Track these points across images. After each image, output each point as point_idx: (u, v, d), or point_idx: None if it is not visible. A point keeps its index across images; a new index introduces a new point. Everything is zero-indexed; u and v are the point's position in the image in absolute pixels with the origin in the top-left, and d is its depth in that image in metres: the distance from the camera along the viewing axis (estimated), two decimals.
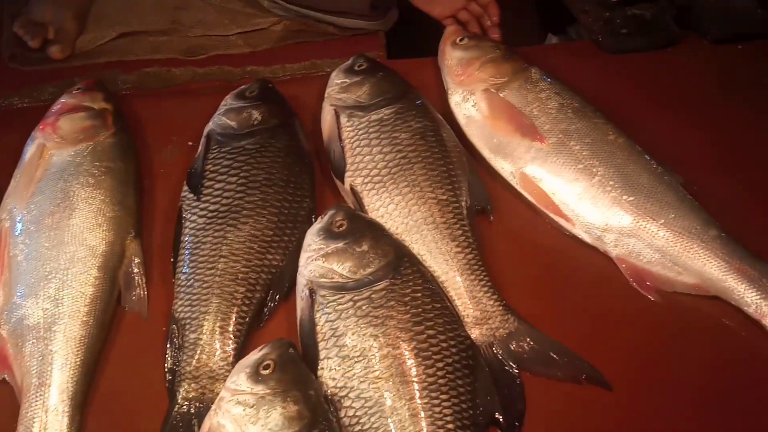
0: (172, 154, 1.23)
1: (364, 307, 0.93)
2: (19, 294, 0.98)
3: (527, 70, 1.21)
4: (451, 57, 1.25)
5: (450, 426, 0.86)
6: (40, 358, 0.93)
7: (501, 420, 0.90)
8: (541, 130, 1.13)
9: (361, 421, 0.87)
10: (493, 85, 1.19)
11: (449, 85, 1.23)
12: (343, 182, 1.12)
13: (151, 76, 1.36)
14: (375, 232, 1.01)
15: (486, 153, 1.16)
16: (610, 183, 1.08)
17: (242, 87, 1.22)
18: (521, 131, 1.14)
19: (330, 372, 0.90)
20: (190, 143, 1.22)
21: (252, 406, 0.84)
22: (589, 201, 1.08)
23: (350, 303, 0.93)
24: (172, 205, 1.12)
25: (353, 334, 0.91)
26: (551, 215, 1.10)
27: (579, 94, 1.18)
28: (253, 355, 0.89)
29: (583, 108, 1.16)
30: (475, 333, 0.97)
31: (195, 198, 1.07)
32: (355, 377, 0.89)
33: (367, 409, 0.87)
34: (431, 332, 0.92)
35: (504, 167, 1.14)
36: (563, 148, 1.12)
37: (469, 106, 1.19)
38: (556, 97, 1.17)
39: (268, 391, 0.85)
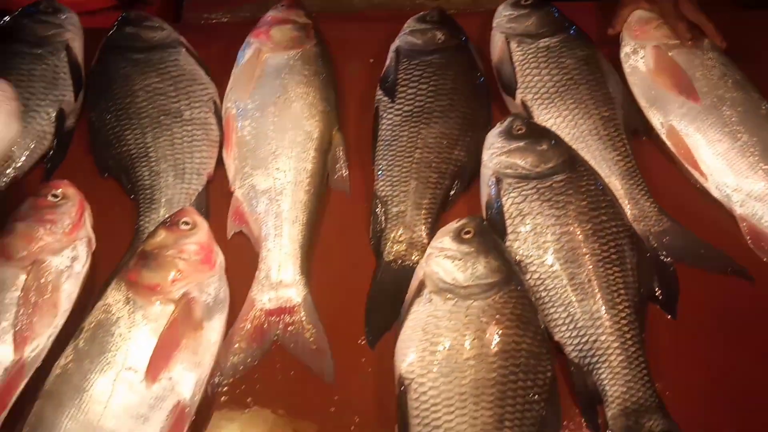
0: (356, 68, 1.41)
1: (546, 194, 1.10)
2: (249, 166, 1.18)
3: (700, 39, 1.32)
4: (634, 15, 1.36)
5: (621, 292, 1.03)
6: (274, 215, 1.13)
7: (660, 297, 1.07)
8: (698, 92, 1.26)
9: (545, 283, 1.04)
10: (664, 44, 1.32)
11: (623, 36, 1.35)
12: (513, 97, 1.29)
13: (334, 1, 1.54)
14: (551, 135, 1.18)
15: (642, 102, 1.28)
16: (751, 150, 1.20)
17: (422, 13, 1.39)
18: (679, 88, 1.26)
19: (517, 243, 1.08)
20: (371, 60, 1.40)
21: (459, 259, 1.02)
22: (726, 162, 1.20)
23: (534, 189, 1.11)
24: (362, 108, 1.31)
25: (537, 214, 1.09)
26: (688, 167, 1.22)
27: (742, 72, 1.29)
28: (453, 224, 1.07)
29: (743, 82, 1.28)
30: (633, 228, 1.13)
31: (390, 100, 1.25)
32: (539, 248, 1.07)
33: (550, 273, 1.05)
34: (604, 218, 1.09)
35: (655, 117, 1.27)
36: (714, 111, 1.24)
37: (638, 58, 1.31)
38: (720, 68, 1.29)
39: (471, 249, 1.03)
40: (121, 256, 1.10)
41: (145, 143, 1.20)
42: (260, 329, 1.03)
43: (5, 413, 0.91)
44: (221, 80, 1.30)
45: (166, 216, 1.11)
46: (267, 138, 1.20)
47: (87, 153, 1.24)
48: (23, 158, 1.20)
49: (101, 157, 1.22)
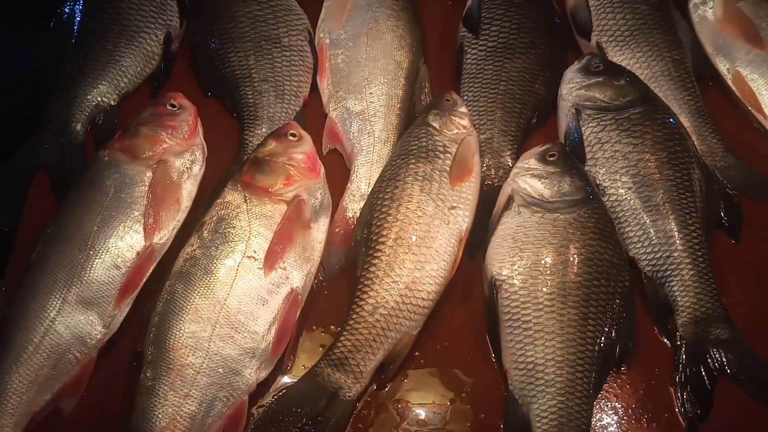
0: (436, 9, 1.49)
1: (624, 124, 1.19)
2: (343, 90, 1.27)
3: None
4: None
5: (693, 214, 1.12)
6: (368, 135, 1.22)
7: (725, 224, 1.16)
8: (764, 40, 1.33)
9: (621, 204, 1.13)
10: None
11: None
12: (588, 39, 1.37)
13: None
14: (627, 72, 1.26)
15: (709, 49, 1.36)
16: None
17: None
18: (746, 36, 1.34)
19: (595, 168, 1.17)
20: (449, 2, 1.48)
21: (546, 178, 1.11)
22: None
23: (612, 120, 1.19)
24: (442, 45, 1.39)
25: (615, 142, 1.18)
26: (752, 110, 1.30)
27: None
28: (538, 148, 1.16)
29: None
30: None
31: (474, 37, 1.33)
32: (617, 172, 1.15)
33: (626, 196, 1.14)
34: (677, 148, 1.17)
35: (721, 63, 1.34)
36: None
37: (707, 8, 1.39)
38: None
39: (557, 170, 1.12)
40: (221, 168, 1.20)
41: (248, 65, 1.28)
42: (350, 234, 1.12)
43: (137, 291, 1.01)
44: (311, 15, 1.39)
45: (269, 131, 1.20)
46: (360, 65, 1.29)
47: (189, 75, 1.34)
48: (135, 77, 1.29)
49: (205, 78, 1.31)
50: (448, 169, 1.10)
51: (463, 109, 1.20)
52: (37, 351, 0.94)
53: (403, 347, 1.01)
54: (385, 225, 1.06)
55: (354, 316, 1.00)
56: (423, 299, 1.02)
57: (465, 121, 1.18)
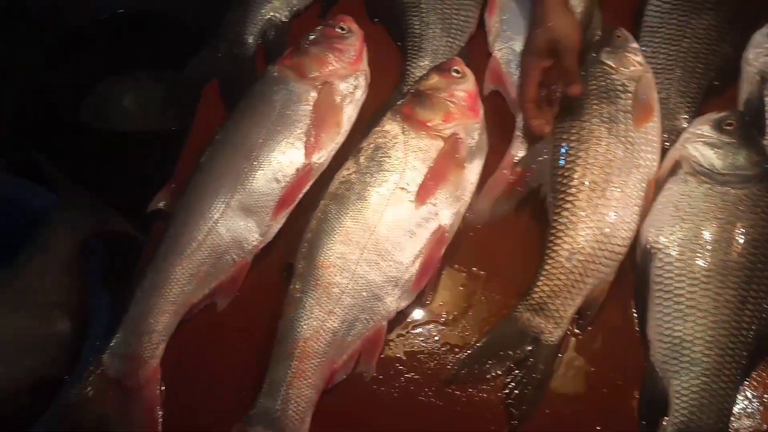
0: None
1: None
2: (511, 29, 1.23)
3: None
4: None
5: None
6: None
7: None
8: None
9: None
10: None
11: None
12: None
13: None
14: None
15: None
16: None
17: None
18: None
19: None
20: None
21: (720, 148, 1.05)
22: None
23: None
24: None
25: None
26: None
27: None
28: (714, 114, 1.09)
29: None
30: None
31: None
32: None
33: None
34: None
35: None
36: None
37: None
38: None
39: (732, 140, 1.05)
40: (380, 96, 1.20)
41: None
42: (516, 182, 1.10)
43: (293, 206, 1.05)
44: None
45: (432, 64, 1.20)
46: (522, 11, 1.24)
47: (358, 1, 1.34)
48: None
49: (373, 3, 1.30)
50: (630, 109, 1.07)
51: (635, 45, 1.15)
52: (200, 248, 1.00)
53: (600, 293, 1.00)
54: (576, 169, 1.04)
55: (550, 261, 1.00)
56: (618, 245, 1.01)
57: (639, 57, 1.14)
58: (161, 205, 1.07)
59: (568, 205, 1.03)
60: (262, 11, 1.26)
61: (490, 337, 0.99)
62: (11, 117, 1.70)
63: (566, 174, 1.05)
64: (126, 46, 1.70)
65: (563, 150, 1.06)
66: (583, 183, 1.03)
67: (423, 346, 1.00)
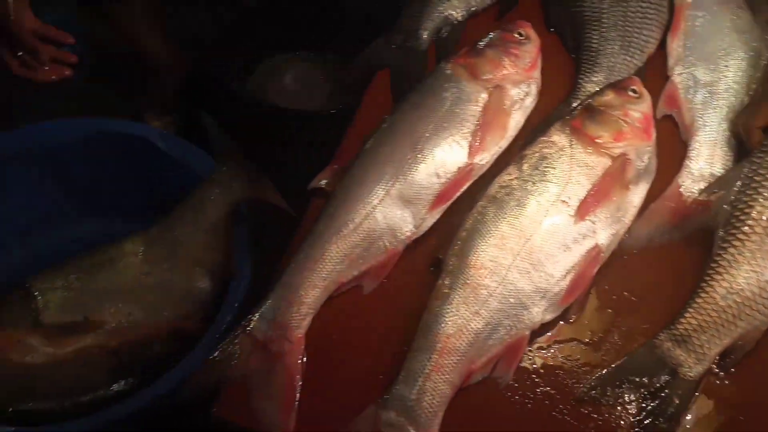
0: None
1: None
2: (694, 56, 1.19)
3: None
4: None
5: None
6: (713, 111, 1.14)
7: None
8: None
9: None
10: None
11: None
12: None
13: None
14: None
15: None
16: None
17: None
18: None
19: None
20: None
21: None
22: None
23: None
24: None
25: None
26: None
27: None
28: None
29: None
30: None
31: None
32: None
33: None
34: None
35: None
36: None
37: None
38: None
39: None
40: (547, 105, 1.19)
41: (600, 8, 1.24)
42: (680, 212, 1.06)
43: (449, 203, 1.06)
44: None
45: (606, 81, 1.17)
46: (721, 34, 1.19)
47: (534, 4, 1.33)
48: None
49: (552, 11, 1.30)
50: None
51: None
52: (356, 230, 1.03)
53: (750, 340, 0.96)
54: (755, 206, 1.00)
55: (703, 295, 0.97)
56: None
57: None
58: (323, 183, 1.11)
59: (737, 242, 0.98)
60: (440, 8, 1.28)
61: (627, 360, 0.97)
62: (183, 84, 1.81)
63: (744, 209, 1.00)
64: (294, 26, 1.78)
65: (747, 183, 1.01)
66: (759, 221, 0.98)
67: (562, 363, 0.98)
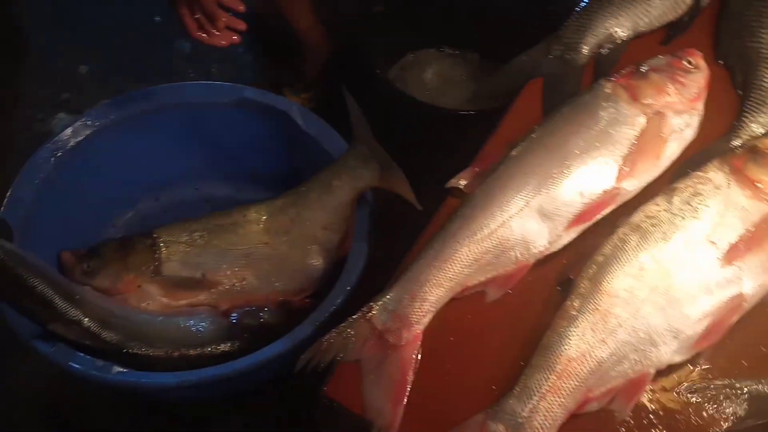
0: None
1: None
2: None
3: None
4: None
5: None
6: None
7: None
8: None
9: None
10: None
11: None
12: None
13: None
14: None
15: None
16: None
17: None
18: None
19: None
20: None
21: None
22: None
23: None
24: None
25: None
26: None
27: None
28: None
29: None
30: None
31: None
32: None
33: None
34: None
35: None
36: None
37: None
38: None
39: None
40: (704, 139, 1.13)
41: None
42: None
43: (589, 224, 1.03)
44: None
45: None
46: None
47: (706, 34, 1.27)
48: (656, 19, 1.26)
49: (725, 43, 1.23)
50: None
51: None
52: (490, 236, 1.01)
53: None
54: None
55: None
56: None
57: None
58: (461, 184, 1.09)
59: None
60: (606, 24, 1.24)
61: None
62: (326, 64, 1.84)
63: None
64: (443, 23, 1.78)
65: None
66: None
67: (684, 410, 0.94)
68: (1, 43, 2.09)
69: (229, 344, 1.34)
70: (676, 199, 1.00)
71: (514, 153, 1.07)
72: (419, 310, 0.98)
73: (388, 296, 0.99)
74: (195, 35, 1.25)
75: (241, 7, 1.36)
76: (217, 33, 1.32)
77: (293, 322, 1.31)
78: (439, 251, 1.01)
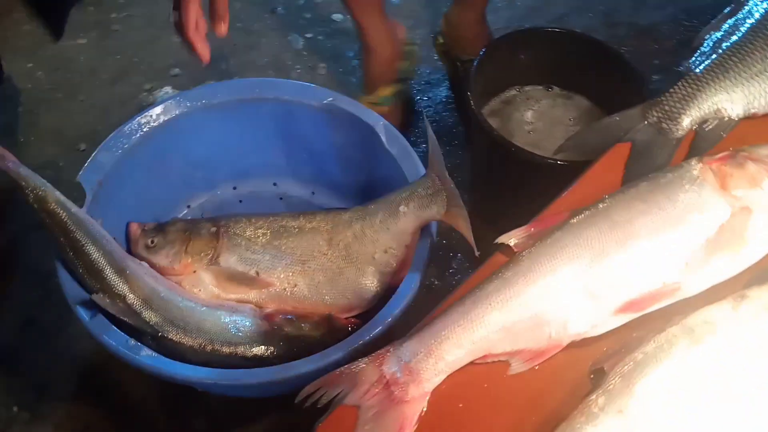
0: None
1: None
2: None
3: None
4: None
5: None
6: None
7: None
8: None
9: None
10: None
11: None
12: None
13: None
14: None
15: None
16: None
17: None
18: None
19: None
20: None
21: None
22: None
23: None
24: None
25: None
26: None
27: None
28: None
29: None
30: None
31: None
32: None
33: None
34: None
35: None
36: None
37: None
38: None
39: None
40: None
41: None
42: None
43: (640, 314, 0.94)
44: None
45: None
46: None
47: None
48: None
49: None
50: None
51: None
52: (526, 305, 0.93)
53: None
54: None
55: None
56: None
57: None
58: (512, 242, 1.02)
59: None
60: (716, 98, 1.11)
61: None
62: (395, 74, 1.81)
63: None
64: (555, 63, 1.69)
65: None
66: None
67: None
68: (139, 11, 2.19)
69: (263, 348, 1.34)
70: (743, 309, 0.89)
71: (574, 221, 0.99)
72: (433, 368, 0.92)
73: (404, 345, 0.94)
74: (189, 34, 1.18)
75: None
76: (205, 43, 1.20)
77: (332, 340, 1.28)
78: (469, 309, 0.94)
